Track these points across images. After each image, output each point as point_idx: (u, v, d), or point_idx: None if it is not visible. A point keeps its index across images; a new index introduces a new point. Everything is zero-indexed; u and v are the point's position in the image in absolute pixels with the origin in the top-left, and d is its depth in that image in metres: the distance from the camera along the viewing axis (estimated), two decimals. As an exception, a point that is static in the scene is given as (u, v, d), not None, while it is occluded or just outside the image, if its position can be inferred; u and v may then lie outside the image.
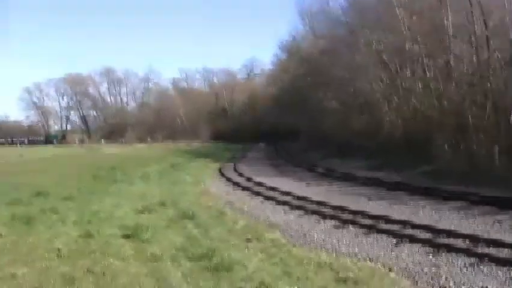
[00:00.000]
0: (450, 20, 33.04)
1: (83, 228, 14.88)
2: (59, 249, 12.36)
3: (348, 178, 30.92)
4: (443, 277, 10.53)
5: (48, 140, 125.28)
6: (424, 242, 13.37)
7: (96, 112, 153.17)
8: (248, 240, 14.08)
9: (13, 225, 15.46)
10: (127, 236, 14.00)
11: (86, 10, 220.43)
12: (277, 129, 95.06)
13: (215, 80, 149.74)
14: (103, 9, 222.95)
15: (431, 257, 12.14)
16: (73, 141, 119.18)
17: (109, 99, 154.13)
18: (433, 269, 11.09)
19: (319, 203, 20.89)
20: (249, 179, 31.66)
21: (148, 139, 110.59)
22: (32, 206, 19.19)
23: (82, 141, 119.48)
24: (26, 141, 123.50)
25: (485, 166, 26.92)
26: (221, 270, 10.73)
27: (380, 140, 41.91)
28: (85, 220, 16.51)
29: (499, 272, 10.73)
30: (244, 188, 27.52)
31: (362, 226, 15.91)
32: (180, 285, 9.90)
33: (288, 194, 24.22)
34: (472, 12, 30.92)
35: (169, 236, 14.44)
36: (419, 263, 11.70)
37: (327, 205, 20.17)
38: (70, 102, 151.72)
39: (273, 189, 26.25)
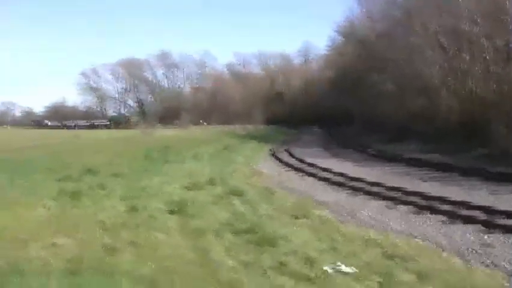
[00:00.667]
0: (510, -1, 32.05)
1: (129, 203, 14.82)
2: (102, 222, 12.33)
3: (403, 160, 30.41)
4: (497, 257, 10.07)
5: (112, 122, 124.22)
6: (478, 221, 12.88)
7: (152, 96, 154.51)
8: (295, 217, 13.78)
9: (60, 199, 15.48)
10: (172, 211, 13.91)
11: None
12: (332, 114, 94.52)
13: (270, 64, 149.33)
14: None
15: (485, 236, 11.67)
16: (132, 125, 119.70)
17: (164, 83, 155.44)
18: (487, 249, 10.64)
19: (371, 183, 20.52)
20: (301, 161, 31.45)
21: (203, 122, 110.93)
22: (81, 183, 19.23)
23: (137, 124, 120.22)
24: (82, 124, 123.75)
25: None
26: (264, 244, 10.50)
27: (437, 123, 41.07)
28: (132, 195, 16.45)
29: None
30: (296, 169, 27.30)
31: (414, 205, 15.47)
32: (221, 257, 9.71)
33: (340, 174, 23.88)
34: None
35: (214, 211, 14.27)
36: (472, 242, 11.26)
37: (380, 185, 19.80)
38: (127, 86, 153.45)
39: (324, 169, 26.00)
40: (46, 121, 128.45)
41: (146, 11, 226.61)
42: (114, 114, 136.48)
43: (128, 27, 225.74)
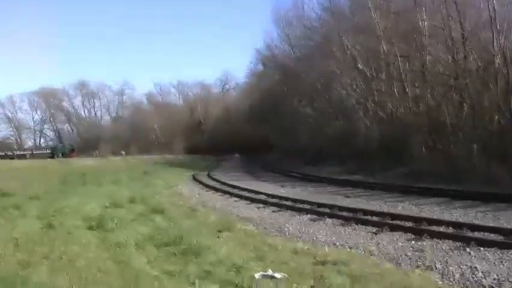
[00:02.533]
0: (426, 21, 32.68)
1: (45, 221, 14.10)
2: (16, 239, 11.57)
3: (323, 181, 30.34)
4: (428, 259, 9.84)
5: (53, 152, 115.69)
6: (405, 229, 12.71)
7: (70, 126, 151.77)
8: (219, 231, 13.27)
9: (-31, 220, 14.61)
10: (91, 227, 13.29)
11: (60, 21, 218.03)
12: (253, 141, 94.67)
13: (189, 93, 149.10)
14: (78, 20, 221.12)
15: (413, 242, 11.46)
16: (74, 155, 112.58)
17: (83, 113, 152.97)
18: (416, 253, 10.41)
19: (294, 200, 20.29)
20: (222, 183, 31.03)
21: (122, 152, 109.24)
22: (-6, 205, 18.31)
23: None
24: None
25: (463, 165, 26.52)
26: (189, 254, 9.99)
27: (356, 145, 41.47)
28: (48, 214, 15.69)
29: (487, 253, 10.08)
30: (217, 190, 26.96)
31: (340, 217, 15.23)
32: (143, 267, 9.11)
33: (261, 193, 23.52)
34: (447, 13, 30.54)
35: (135, 227, 13.66)
36: (402, 247, 11.03)
37: (303, 201, 19.55)
38: (44, 116, 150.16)
39: (246, 190, 25.63)
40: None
41: (64, 38, 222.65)
42: (58, 145, 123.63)
43: (46, 54, 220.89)
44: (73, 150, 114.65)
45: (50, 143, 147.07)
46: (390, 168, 31.98)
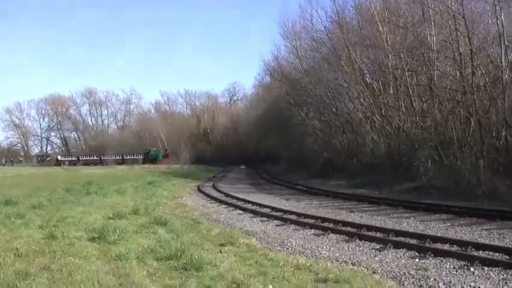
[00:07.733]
0: (434, 36, 32.59)
1: (47, 231, 14.00)
2: (17, 249, 11.53)
3: (328, 194, 30.09)
4: (432, 279, 9.71)
5: (148, 158, 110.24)
6: (410, 247, 12.59)
7: (77, 134, 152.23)
8: (222, 244, 13.19)
9: (-28, 228, 14.55)
10: (92, 238, 13.20)
11: (68, 29, 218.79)
12: (259, 152, 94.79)
13: (197, 103, 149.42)
14: (87, 29, 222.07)
15: (417, 260, 11.32)
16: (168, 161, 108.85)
17: (90, 121, 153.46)
18: (420, 272, 10.27)
19: (298, 214, 20.18)
20: (227, 195, 30.88)
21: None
22: (-3, 213, 18.24)
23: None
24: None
25: (469, 181, 26.42)
26: (190, 269, 9.87)
27: (362, 159, 41.42)
28: (51, 224, 15.62)
29: (491, 273, 9.95)
30: (222, 202, 26.76)
31: (343, 233, 15.12)
32: (143, 282, 8.99)
33: (265, 207, 23.46)
34: (456, 28, 30.43)
35: (137, 239, 13.58)
36: (405, 266, 10.89)
37: (307, 216, 19.46)
38: (51, 124, 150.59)
39: (250, 203, 25.55)
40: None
41: (71, 46, 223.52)
42: (151, 148, 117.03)
43: (56, 62, 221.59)
44: (166, 156, 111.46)
45: (57, 150, 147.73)
46: (396, 183, 31.91)
